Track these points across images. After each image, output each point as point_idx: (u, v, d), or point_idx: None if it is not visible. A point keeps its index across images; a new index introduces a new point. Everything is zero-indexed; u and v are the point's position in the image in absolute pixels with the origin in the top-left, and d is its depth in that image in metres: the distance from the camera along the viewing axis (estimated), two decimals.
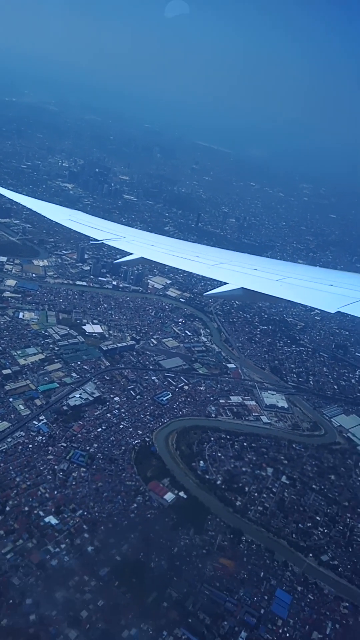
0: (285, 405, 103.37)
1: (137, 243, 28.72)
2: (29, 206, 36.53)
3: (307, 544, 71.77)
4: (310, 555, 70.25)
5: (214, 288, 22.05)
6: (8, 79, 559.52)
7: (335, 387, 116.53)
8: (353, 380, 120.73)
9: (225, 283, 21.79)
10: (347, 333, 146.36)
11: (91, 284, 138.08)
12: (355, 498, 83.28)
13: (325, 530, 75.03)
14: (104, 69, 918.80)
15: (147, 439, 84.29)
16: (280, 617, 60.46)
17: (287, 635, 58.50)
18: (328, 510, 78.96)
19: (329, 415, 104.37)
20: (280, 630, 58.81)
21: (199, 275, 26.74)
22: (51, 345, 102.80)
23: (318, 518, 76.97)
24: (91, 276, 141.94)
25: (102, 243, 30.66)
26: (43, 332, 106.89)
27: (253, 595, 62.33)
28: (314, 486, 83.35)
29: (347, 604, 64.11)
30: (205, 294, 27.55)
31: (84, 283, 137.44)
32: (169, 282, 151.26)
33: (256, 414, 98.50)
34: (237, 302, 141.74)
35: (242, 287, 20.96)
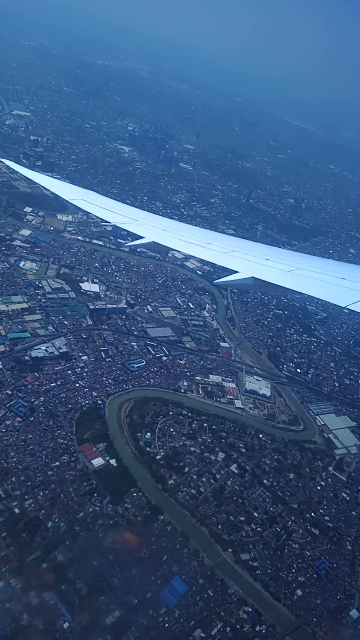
0: (268, 394, 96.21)
1: (149, 227, 28.54)
2: (42, 184, 36.56)
3: (230, 538, 66.40)
4: (230, 550, 64.90)
5: (228, 274, 21.87)
6: (108, 44, 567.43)
7: (336, 384, 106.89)
8: None
9: (236, 272, 21.54)
10: None
11: (108, 245, 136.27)
12: (309, 502, 75.92)
13: (258, 529, 69.00)
14: (213, 47, 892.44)
15: (100, 402, 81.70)
16: (166, 605, 56.32)
17: (166, 625, 54.39)
18: (271, 509, 72.56)
19: (316, 412, 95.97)
20: (160, 619, 54.78)
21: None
22: (39, 297, 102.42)
23: (255, 514, 70.93)
24: (110, 237, 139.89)
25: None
26: (37, 282, 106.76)
27: (145, 577, 58.54)
28: (265, 481, 76.92)
29: (250, 610, 58.63)
30: (215, 282, 27.24)
31: (101, 242, 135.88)
32: None
33: (231, 397, 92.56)
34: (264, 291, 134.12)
35: (253, 277, 20.75)
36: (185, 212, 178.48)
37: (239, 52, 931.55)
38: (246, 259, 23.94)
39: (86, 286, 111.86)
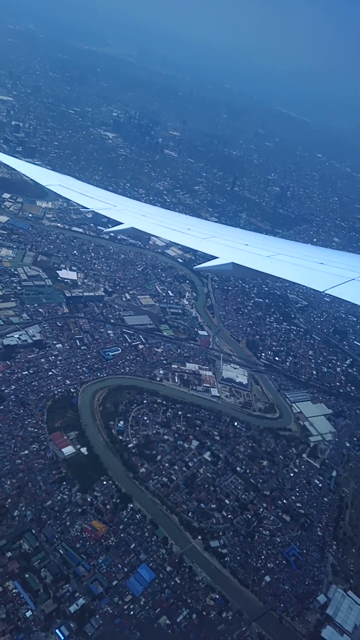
0: (244, 382, 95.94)
1: (128, 213, 28.22)
2: (17, 169, 35.31)
3: (200, 526, 66.25)
4: (199, 537, 64.78)
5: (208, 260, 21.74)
6: (96, 29, 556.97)
7: (314, 372, 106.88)
8: (338, 369, 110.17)
9: (216, 257, 21.35)
10: (355, 319, 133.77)
11: (88, 232, 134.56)
12: (281, 489, 75.99)
13: (229, 516, 68.95)
14: (205, 34, 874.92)
15: (73, 391, 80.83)
16: (132, 593, 56.13)
17: (131, 613, 54.23)
18: (243, 496, 72.52)
19: (292, 400, 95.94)
20: (126, 607, 54.62)
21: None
22: (14, 284, 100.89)
23: (227, 501, 70.83)
24: (91, 224, 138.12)
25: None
26: (12, 270, 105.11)
27: (113, 564, 58.32)
28: (238, 468, 76.82)
29: (217, 597, 58.65)
30: (194, 267, 26.42)
31: (80, 230, 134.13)
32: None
33: (207, 385, 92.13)
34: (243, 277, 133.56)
35: (232, 262, 20.58)
36: (168, 200, 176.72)
37: (232, 41, 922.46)
38: (226, 245, 23.80)
39: (63, 274, 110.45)
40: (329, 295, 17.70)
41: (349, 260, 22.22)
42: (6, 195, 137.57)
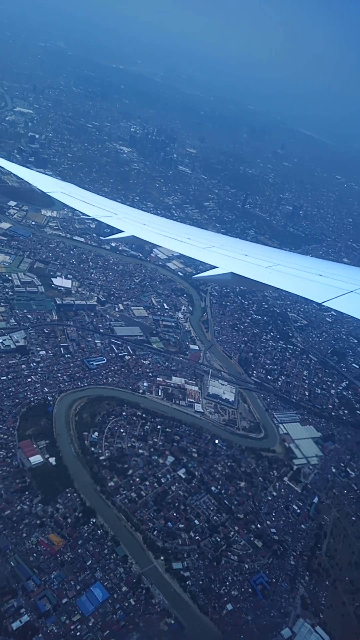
0: (231, 399, 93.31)
1: (128, 221, 28.23)
2: (20, 176, 35.16)
3: (165, 546, 63.56)
4: (162, 558, 62.04)
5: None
6: (125, 49, 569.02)
7: (307, 393, 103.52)
8: (332, 391, 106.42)
9: (215, 267, 21.52)
10: (356, 341, 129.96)
11: (89, 242, 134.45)
12: (256, 513, 72.74)
13: (197, 537, 66.05)
14: (232, 56, 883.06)
15: (50, 399, 79.44)
16: (82, 612, 53.67)
17: (77, 634, 51.70)
18: (214, 518, 69.58)
19: (280, 420, 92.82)
20: (72, 627, 52.14)
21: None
22: (6, 290, 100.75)
23: (197, 522, 68.02)
24: (93, 234, 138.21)
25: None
26: (6, 275, 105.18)
27: (65, 581, 56.04)
28: (213, 488, 73.91)
29: (173, 622, 55.64)
30: (194, 276, 27.06)
31: (82, 239, 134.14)
32: (176, 254, 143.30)
33: (191, 400, 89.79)
34: (241, 287, 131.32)
35: (232, 272, 20.76)
36: (176, 214, 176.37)
37: (260, 58, 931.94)
38: (225, 255, 23.82)
39: (58, 281, 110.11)
40: (328, 309, 17.15)
41: (348, 273, 22.00)
42: (12, 203, 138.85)
